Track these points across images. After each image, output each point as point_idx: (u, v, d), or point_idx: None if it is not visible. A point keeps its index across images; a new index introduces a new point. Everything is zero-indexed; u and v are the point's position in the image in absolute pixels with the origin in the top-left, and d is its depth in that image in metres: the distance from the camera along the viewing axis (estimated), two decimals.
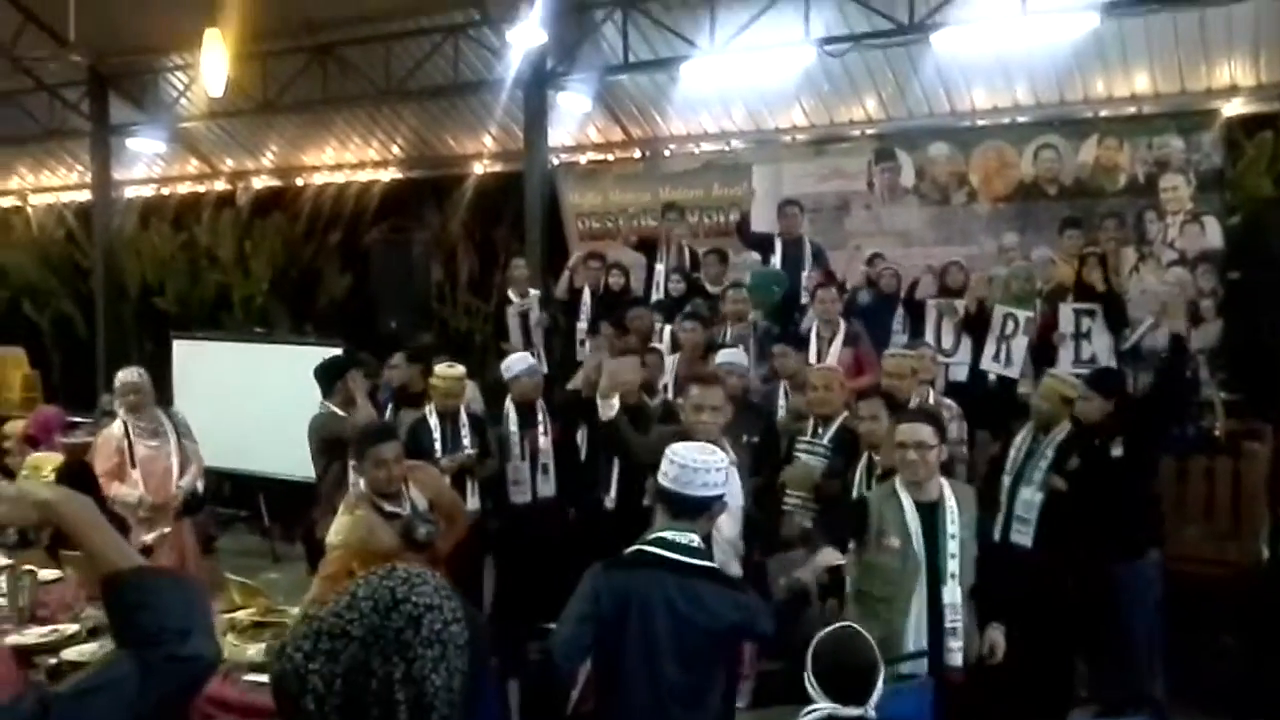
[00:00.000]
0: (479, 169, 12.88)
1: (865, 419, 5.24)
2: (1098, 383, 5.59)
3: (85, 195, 15.12)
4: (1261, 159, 9.02)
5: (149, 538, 6.12)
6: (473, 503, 6.33)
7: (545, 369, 7.90)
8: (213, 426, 8.14)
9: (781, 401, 6.61)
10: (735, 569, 4.60)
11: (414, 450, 5.71)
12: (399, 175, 13.57)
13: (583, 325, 8.64)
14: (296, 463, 6.94)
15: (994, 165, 9.63)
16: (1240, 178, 9.06)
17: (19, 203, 16.41)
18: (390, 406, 7.10)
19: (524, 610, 5.36)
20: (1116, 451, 5.35)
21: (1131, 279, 8.58)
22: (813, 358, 6.93)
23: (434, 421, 6.52)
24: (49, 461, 6.77)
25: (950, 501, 4.21)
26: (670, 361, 7.30)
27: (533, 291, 9.07)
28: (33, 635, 4.39)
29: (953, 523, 4.17)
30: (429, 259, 11.31)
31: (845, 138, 10.67)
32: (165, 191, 15.51)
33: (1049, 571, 5.27)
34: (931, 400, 6.09)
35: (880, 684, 3.10)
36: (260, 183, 14.64)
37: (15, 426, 9.06)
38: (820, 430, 5.84)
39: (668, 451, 3.41)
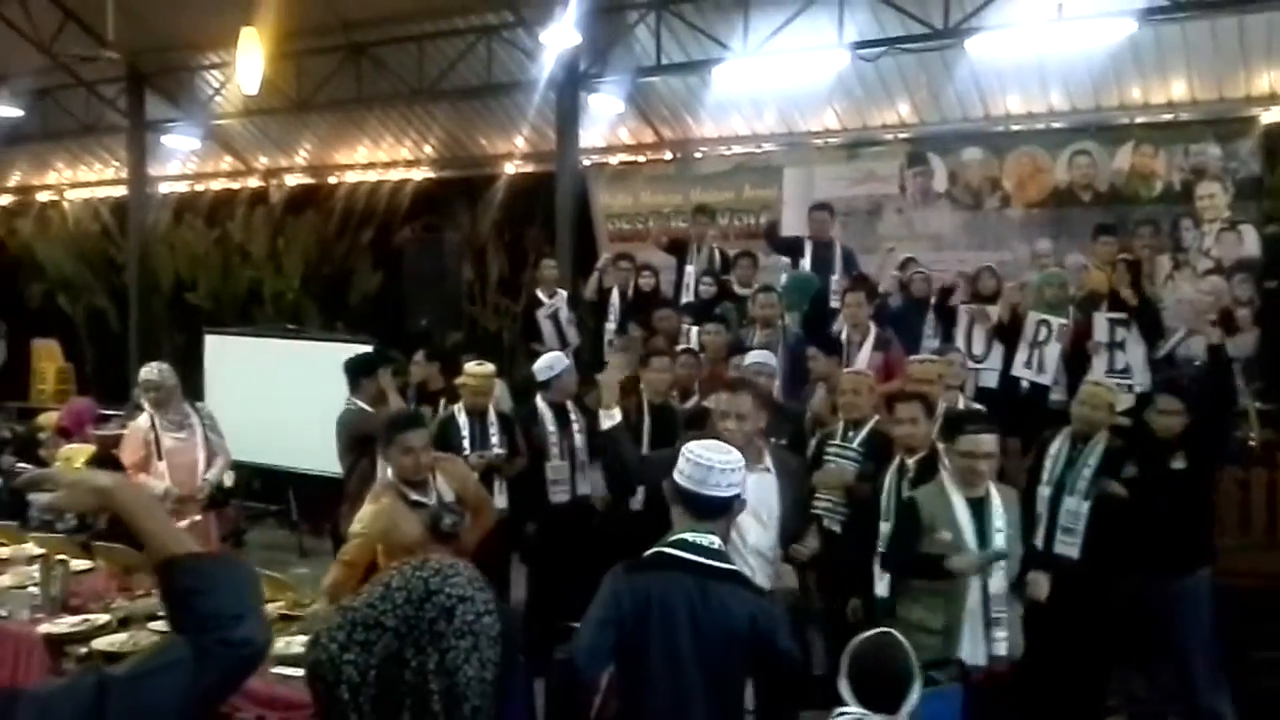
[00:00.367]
0: (510, 169, 12.92)
1: (904, 422, 5.15)
2: (1182, 395, 5.41)
3: (121, 191, 15.29)
4: None
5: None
6: (500, 501, 6.33)
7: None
8: (243, 421, 8.20)
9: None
10: (762, 580, 4.46)
11: (442, 447, 5.72)
12: (431, 175, 13.64)
13: (611, 326, 8.65)
14: (325, 458, 6.97)
15: (1028, 170, 9.58)
16: (1278, 186, 8.95)
17: (56, 197, 16.59)
18: (416, 402, 7.14)
19: (558, 610, 5.32)
20: (1177, 464, 5.28)
21: (1167, 287, 8.50)
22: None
23: (463, 419, 6.53)
24: (81, 453, 6.86)
25: (996, 499, 4.40)
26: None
27: (560, 291, 9.08)
28: (65, 624, 4.43)
29: (999, 517, 4.35)
30: (460, 258, 11.36)
31: (878, 141, 10.63)
32: (199, 188, 15.66)
33: (1091, 581, 5.21)
34: (960, 406, 6.04)
35: (915, 695, 3.07)
36: (293, 180, 14.76)
37: (49, 418, 9.19)
38: (850, 434, 5.80)
39: (684, 450, 3.32)
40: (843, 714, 3.05)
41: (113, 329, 14.72)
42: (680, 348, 7.45)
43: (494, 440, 6.50)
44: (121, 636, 4.21)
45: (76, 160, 16.40)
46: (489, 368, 6.75)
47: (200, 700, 1.58)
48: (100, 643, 4.18)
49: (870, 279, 8.03)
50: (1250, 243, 8.62)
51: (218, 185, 15.49)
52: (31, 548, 5.51)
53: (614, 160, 12.29)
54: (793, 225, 9.46)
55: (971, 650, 4.22)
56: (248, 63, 9.68)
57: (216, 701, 1.66)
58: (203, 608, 1.62)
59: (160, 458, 6.28)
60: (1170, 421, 5.31)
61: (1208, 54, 9.16)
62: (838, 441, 5.81)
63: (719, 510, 3.27)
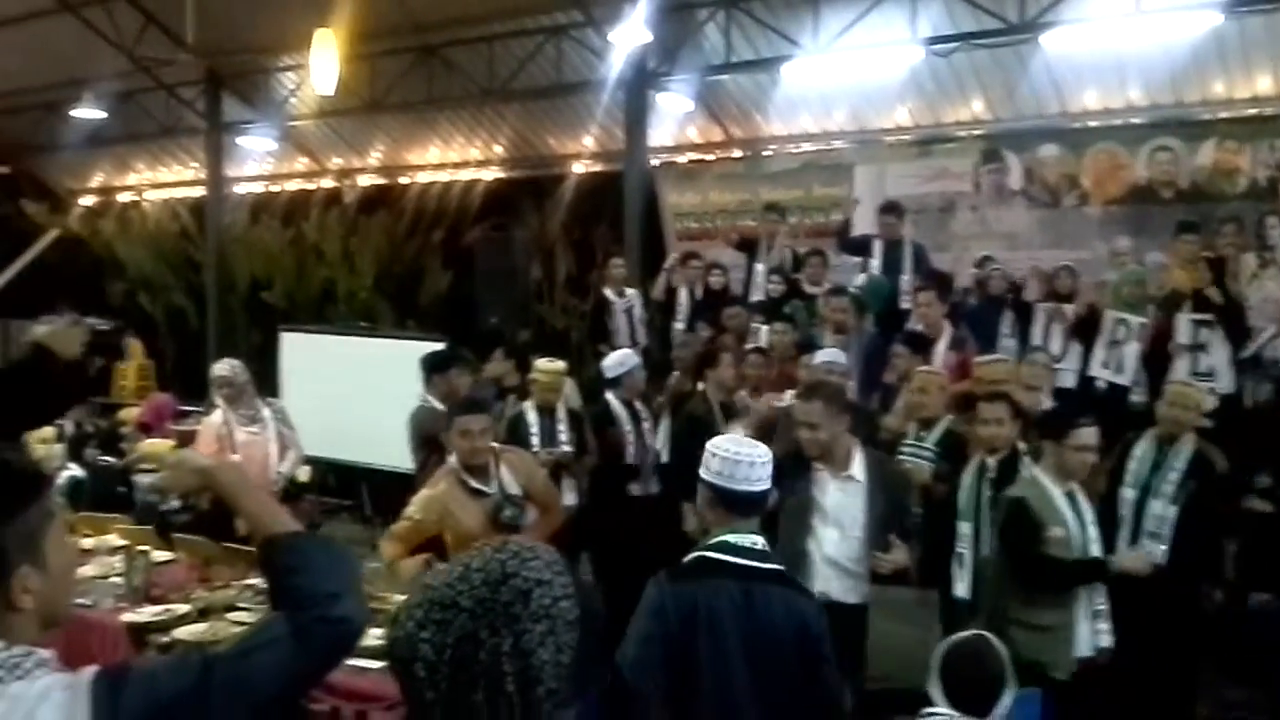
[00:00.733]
0: (579, 169, 12.96)
1: (990, 422, 5.05)
2: None
3: (199, 191, 15.59)
4: None
5: None
6: (569, 498, 6.35)
7: None
8: (317, 417, 8.33)
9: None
10: (838, 593, 4.42)
11: (512, 443, 5.75)
12: (501, 174, 13.73)
13: (679, 325, 8.64)
14: (397, 454, 7.03)
15: (1106, 167, 9.39)
16: None
17: (136, 198, 16.97)
18: (514, 399, 7.21)
19: (626, 609, 5.34)
20: None
21: (1252, 286, 8.26)
22: None
23: (532, 416, 6.57)
24: (160, 447, 7.02)
25: (1079, 492, 4.47)
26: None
27: (630, 290, 9.11)
28: (146, 614, 4.52)
29: (1088, 510, 4.45)
30: (529, 257, 11.44)
31: (951, 138, 10.49)
32: (275, 188, 15.91)
33: (1182, 585, 5.09)
34: (1044, 407, 5.92)
35: (1007, 698, 3.01)
36: (366, 181, 14.94)
37: (130, 413, 9.42)
38: (923, 433, 5.73)
39: (710, 446, 3.19)
40: (932, 714, 3.01)
41: (191, 327, 15.02)
42: (749, 346, 7.43)
43: (563, 438, 6.53)
44: (201, 626, 4.29)
45: (156, 161, 16.77)
46: (559, 365, 6.80)
47: (300, 677, 1.63)
48: (180, 632, 4.25)
49: (944, 276, 7.94)
50: None
51: (293, 186, 15.73)
52: (114, 539, 5.65)
53: (682, 159, 12.27)
54: (864, 223, 9.35)
55: (1078, 643, 4.25)
56: (323, 64, 9.84)
57: (316, 678, 1.71)
58: (301, 586, 1.65)
59: (234, 452, 6.39)
60: None
61: None
62: (911, 441, 5.75)
63: (757, 505, 3.16)
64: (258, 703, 1.56)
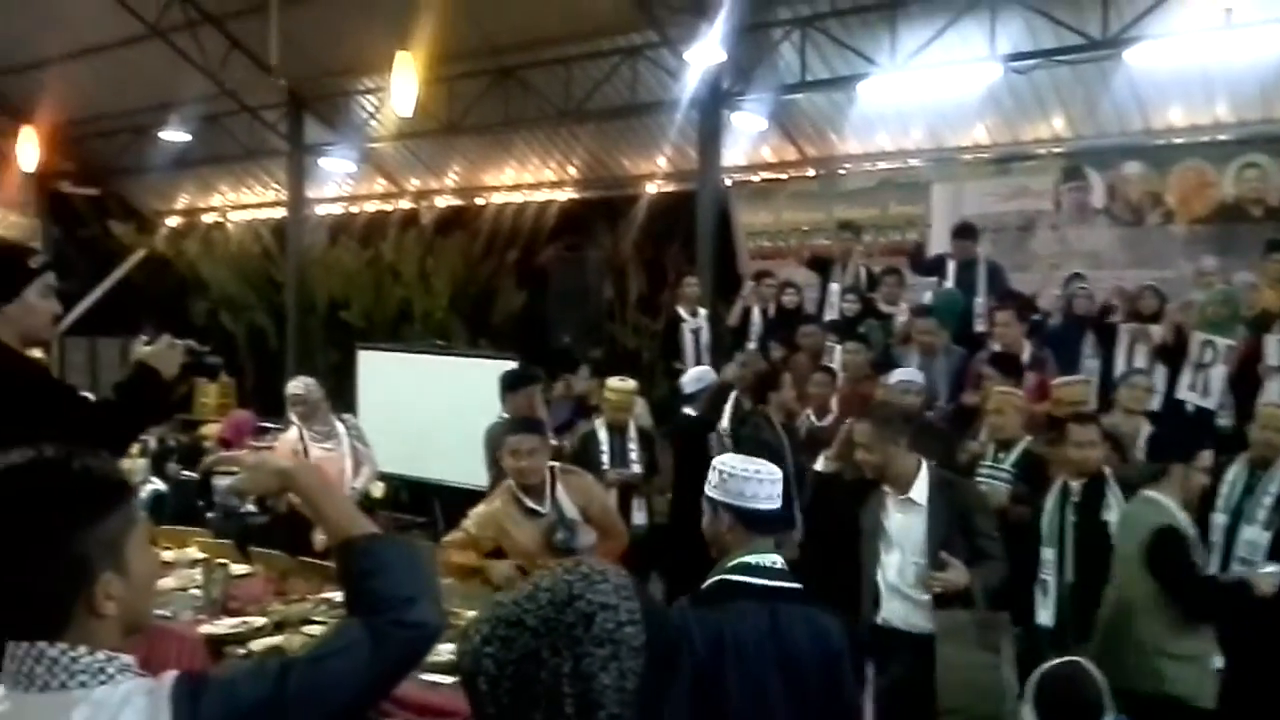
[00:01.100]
0: (651, 189, 12.99)
1: (1083, 445, 4.90)
2: None
3: (280, 213, 15.91)
4: None
5: (324, 537, 6.34)
6: (639, 518, 6.33)
7: None
8: (392, 434, 8.42)
9: None
10: (899, 621, 4.39)
11: (582, 461, 5.75)
12: (574, 195, 13.81)
13: (752, 345, 8.59)
14: (471, 471, 7.08)
15: (1192, 185, 9.15)
16: None
17: (220, 219, 17.37)
18: (577, 416, 7.24)
19: None
20: None
21: None
22: None
23: (603, 435, 6.58)
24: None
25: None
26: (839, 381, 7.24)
27: (701, 310, 9.11)
28: (224, 626, 4.58)
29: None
30: (601, 277, 11.47)
31: (1030, 156, 10.31)
32: (354, 210, 16.18)
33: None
34: (1146, 432, 5.75)
35: None
36: (443, 202, 15.12)
37: (211, 429, 9.61)
38: (1001, 454, 5.61)
39: (718, 465, 3.12)
40: None
41: (271, 345, 15.30)
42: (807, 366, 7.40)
43: (633, 457, 6.52)
44: (278, 639, 4.33)
45: (239, 183, 17.16)
46: (631, 384, 6.81)
47: (375, 682, 1.62)
48: (257, 644, 4.30)
49: (1022, 296, 7.80)
50: None
51: (371, 207, 15.98)
52: (194, 552, 5.75)
53: (755, 178, 12.23)
54: (941, 242, 9.23)
55: None
56: (402, 85, 10.02)
57: (392, 683, 1.70)
58: (377, 589, 1.65)
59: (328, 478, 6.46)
60: None
61: None
62: (989, 462, 5.64)
63: (774, 524, 3.08)
64: (333, 709, 1.56)
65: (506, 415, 6.42)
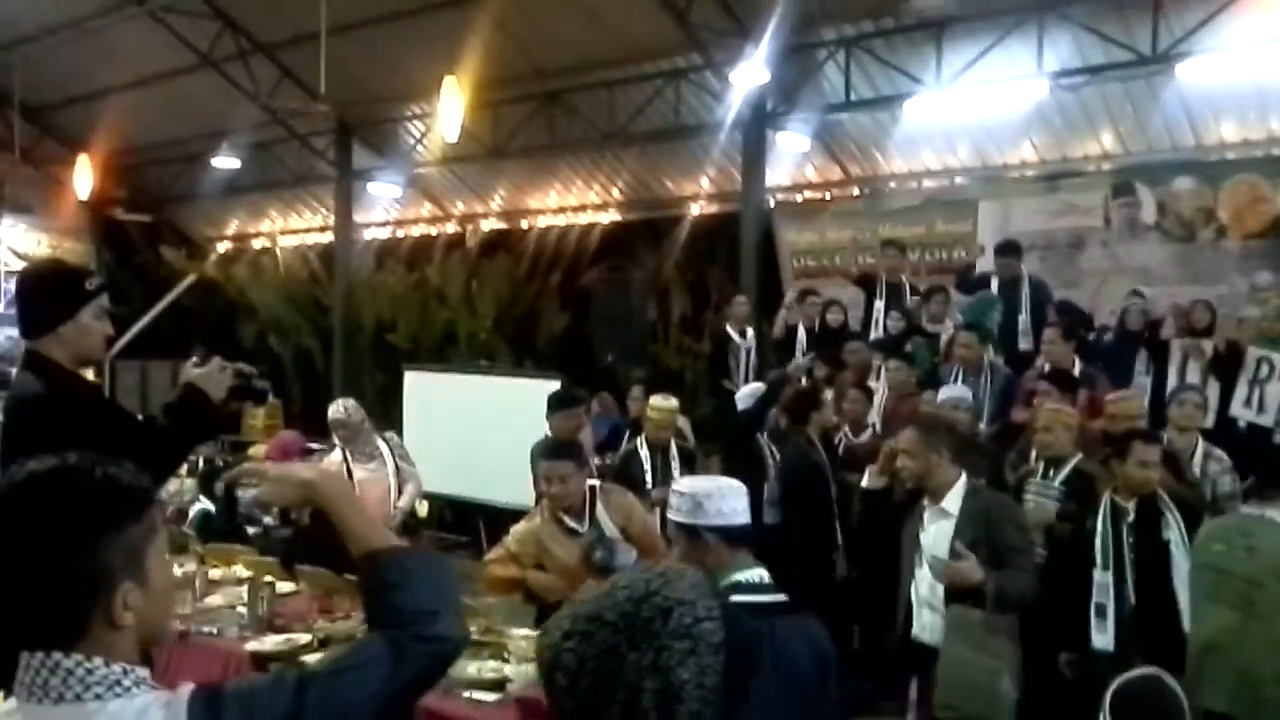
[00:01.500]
0: (695, 210, 13.00)
1: (1148, 464, 4.75)
2: None
3: (328, 237, 16.12)
4: None
5: None
6: None
7: None
8: (438, 454, 8.46)
9: None
10: (928, 637, 4.37)
11: (625, 480, 5.73)
12: (618, 217, 13.85)
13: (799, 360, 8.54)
14: (515, 490, 7.10)
15: (1245, 200, 8.99)
16: None
17: (269, 244, 17.61)
18: (628, 435, 7.23)
19: None
20: None
21: None
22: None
23: (645, 453, 6.56)
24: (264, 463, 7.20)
25: None
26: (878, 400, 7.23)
27: (749, 330, 9.10)
28: (270, 643, 4.60)
29: None
30: (645, 298, 11.48)
31: (1079, 173, 10.19)
32: (400, 234, 16.35)
33: None
34: (1200, 451, 5.63)
35: None
36: (488, 225, 15.23)
37: (258, 450, 9.70)
38: (1051, 472, 5.52)
39: (687, 491, 3.12)
40: None
41: (318, 367, 15.46)
42: (853, 382, 7.39)
43: (676, 474, 6.48)
44: (322, 656, 4.34)
45: (288, 209, 17.40)
46: (673, 402, 6.79)
47: (395, 697, 1.59)
48: (303, 661, 4.31)
49: (1076, 311, 7.70)
50: None
51: (417, 231, 16.14)
52: (240, 570, 5.79)
53: (799, 198, 12.20)
54: (990, 260, 9.14)
55: None
56: (449, 110, 10.10)
57: (413, 698, 1.67)
58: (399, 602, 1.63)
59: (353, 489, 6.49)
60: None
61: None
62: (1038, 480, 5.54)
63: (751, 535, 3.10)
64: None
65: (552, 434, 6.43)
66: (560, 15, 11.29)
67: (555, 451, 4.86)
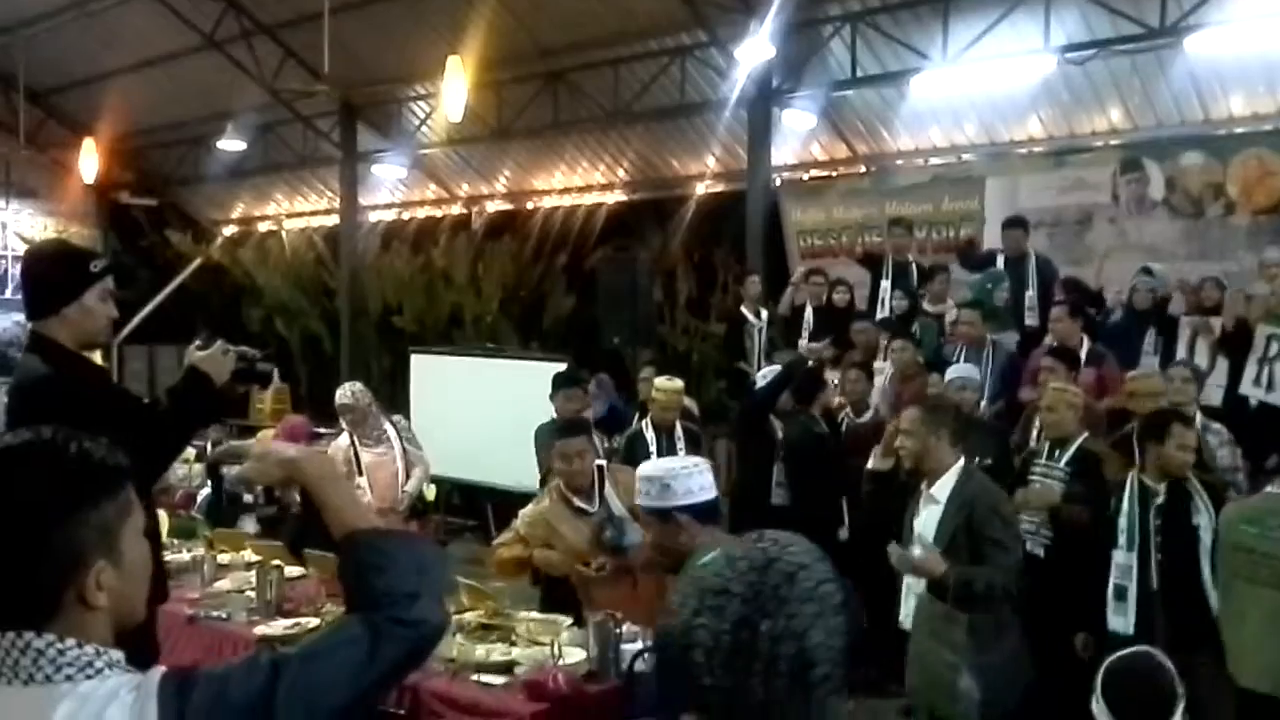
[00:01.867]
0: (701, 189, 12.95)
1: (1186, 446, 4.73)
2: None
3: (333, 220, 16.09)
4: None
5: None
6: None
7: None
8: (444, 437, 8.45)
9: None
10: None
11: (630, 461, 5.73)
12: (623, 197, 13.80)
13: (804, 342, 8.53)
14: (522, 473, 7.08)
15: (1254, 175, 8.91)
16: None
17: (275, 227, 17.59)
18: (638, 416, 7.24)
19: None
20: None
21: None
22: None
23: (650, 435, 6.57)
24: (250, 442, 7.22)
25: None
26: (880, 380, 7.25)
27: (763, 310, 9.10)
28: (278, 627, 4.63)
29: None
30: (651, 279, 11.44)
31: (1087, 148, 10.12)
32: (406, 216, 16.32)
33: None
34: (1197, 424, 5.60)
35: (1179, 717, 2.83)
36: (493, 206, 15.20)
37: (266, 435, 9.67)
38: (1057, 452, 5.50)
39: (654, 475, 3.14)
40: None
41: (325, 351, 15.46)
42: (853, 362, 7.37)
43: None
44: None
45: (294, 191, 17.37)
46: (678, 383, 6.82)
47: (373, 681, 1.57)
48: None
49: (1084, 289, 7.66)
50: None
51: (422, 213, 16.11)
52: (249, 554, 5.80)
53: (806, 176, 12.14)
54: (996, 237, 9.09)
55: None
56: (453, 90, 10.07)
57: (391, 682, 1.64)
58: (378, 584, 1.60)
59: (361, 473, 6.50)
60: None
61: None
62: (1044, 461, 5.52)
63: (718, 510, 3.12)
64: (327, 708, 1.50)
65: (556, 416, 6.43)
66: None
67: (569, 429, 4.93)
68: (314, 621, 4.62)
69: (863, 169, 11.77)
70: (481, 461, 9.59)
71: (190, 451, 8.42)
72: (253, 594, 5.03)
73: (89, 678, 1.43)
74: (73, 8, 13.85)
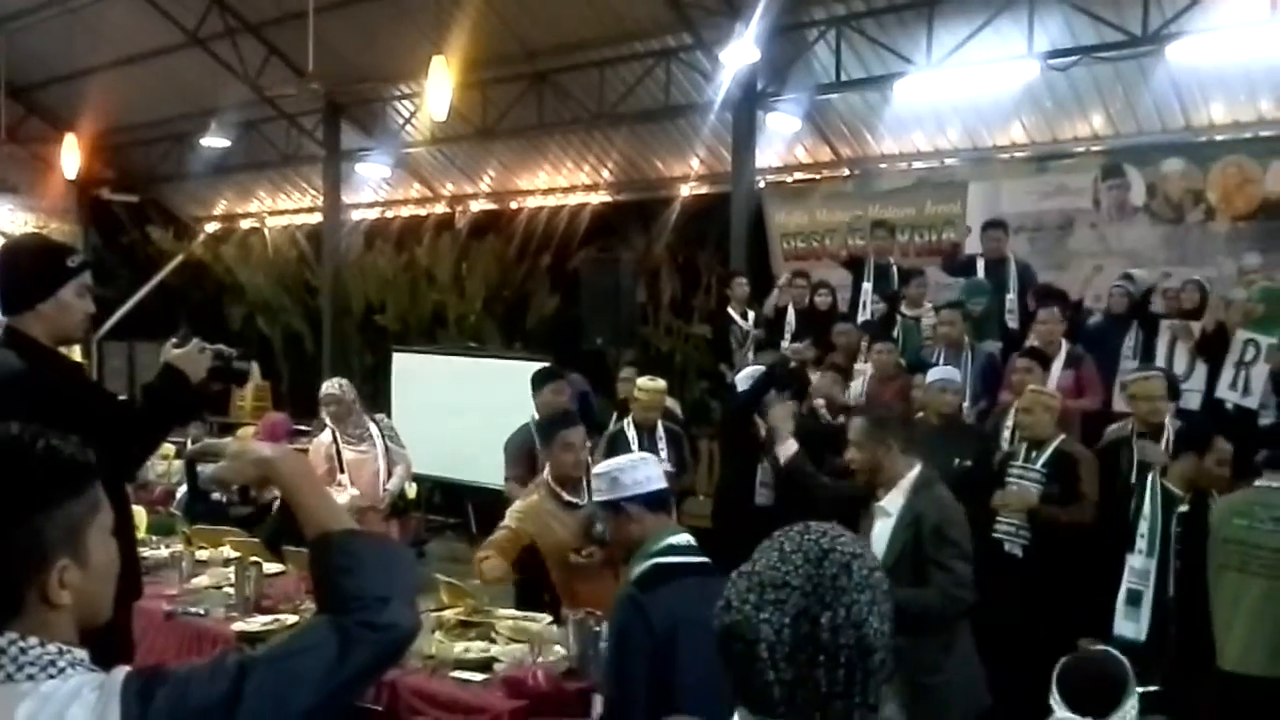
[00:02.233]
0: (685, 191, 12.96)
1: (1224, 462, 4.81)
2: None
3: (317, 218, 16.04)
4: None
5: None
6: None
7: None
8: (426, 436, 8.43)
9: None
10: None
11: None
12: (608, 198, 13.80)
13: (786, 343, 8.55)
14: (503, 473, 7.07)
15: (1234, 181, 8.99)
16: None
17: (257, 225, 17.52)
18: (615, 416, 7.24)
19: None
20: None
21: None
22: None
23: (631, 434, 6.59)
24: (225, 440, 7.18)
25: None
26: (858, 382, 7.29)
27: (750, 312, 9.12)
28: (256, 623, 4.62)
29: None
30: (634, 280, 11.45)
31: (1069, 154, 10.18)
32: (389, 215, 16.28)
33: None
34: (1169, 427, 5.64)
35: (1130, 706, 2.86)
36: (477, 206, 15.18)
37: (247, 432, 9.65)
38: (1034, 454, 5.53)
39: (607, 471, 3.40)
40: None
41: (307, 349, 15.42)
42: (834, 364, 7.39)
43: (662, 456, 6.51)
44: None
45: (277, 189, 17.30)
46: (660, 383, 6.85)
47: (340, 685, 1.54)
48: None
49: (1062, 294, 7.71)
50: None
51: (406, 212, 16.07)
52: (227, 550, 5.78)
53: (790, 179, 12.18)
54: (978, 242, 9.14)
55: None
56: (437, 89, 10.06)
57: (357, 687, 1.62)
58: (349, 587, 1.58)
59: (342, 470, 6.49)
60: None
61: None
62: (1020, 462, 5.56)
63: (670, 498, 3.40)
64: (292, 712, 1.48)
65: (538, 414, 6.42)
66: None
67: (568, 419, 5.01)
68: (292, 618, 4.60)
69: (846, 172, 11.80)
70: (463, 460, 9.58)
71: (170, 448, 8.39)
72: (231, 590, 5.01)
73: (51, 677, 1.42)
74: (55, 3, 13.78)
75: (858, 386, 7.22)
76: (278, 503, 6.55)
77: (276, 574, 5.33)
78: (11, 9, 14.09)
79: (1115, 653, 3.05)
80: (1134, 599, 4.66)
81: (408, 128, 14.25)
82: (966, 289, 8.04)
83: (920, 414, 6.37)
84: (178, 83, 14.62)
